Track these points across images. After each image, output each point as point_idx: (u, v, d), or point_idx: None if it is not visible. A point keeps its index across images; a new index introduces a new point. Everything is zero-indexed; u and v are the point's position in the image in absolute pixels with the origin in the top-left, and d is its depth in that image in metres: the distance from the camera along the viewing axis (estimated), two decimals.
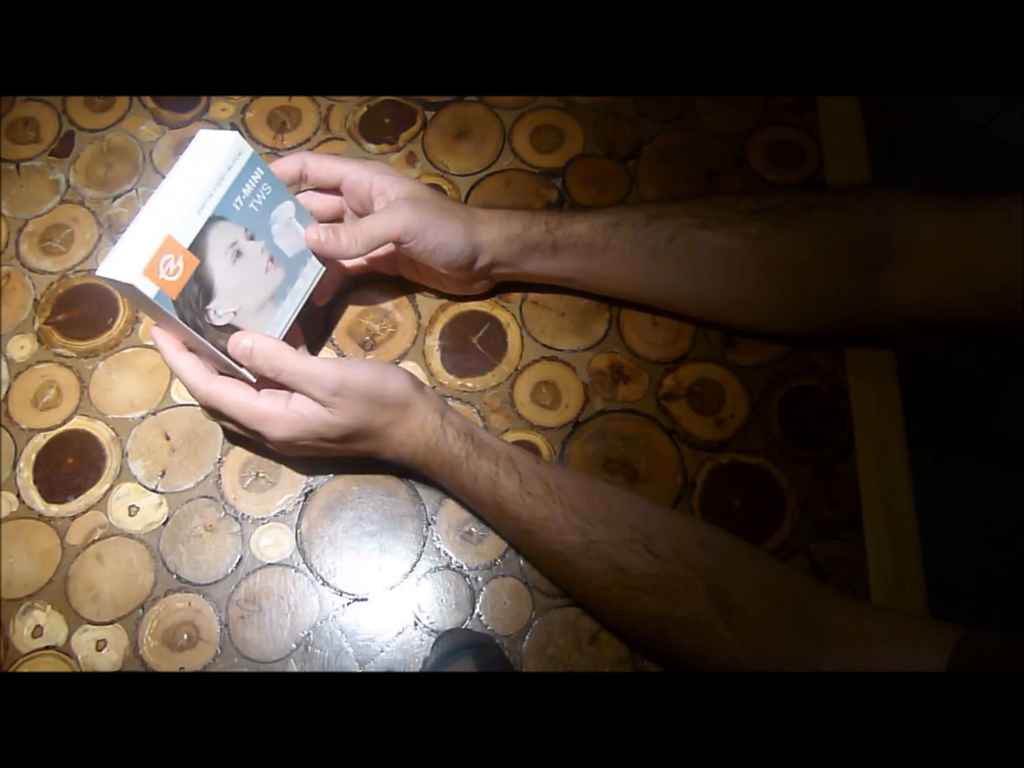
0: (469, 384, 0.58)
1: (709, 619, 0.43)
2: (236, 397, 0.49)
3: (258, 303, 0.51)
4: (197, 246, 0.47)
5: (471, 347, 0.59)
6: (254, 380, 0.51)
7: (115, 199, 0.65)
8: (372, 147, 0.66)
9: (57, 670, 0.51)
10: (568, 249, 0.55)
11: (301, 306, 0.53)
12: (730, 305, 0.56)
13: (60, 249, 0.63)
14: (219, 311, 0.49)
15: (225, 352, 0.50)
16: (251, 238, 0.50)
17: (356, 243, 0.52)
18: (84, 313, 0.61)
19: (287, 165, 0.54)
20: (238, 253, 0.49)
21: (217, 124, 0.67)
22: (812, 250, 0.51)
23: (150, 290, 0.45)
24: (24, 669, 0.52)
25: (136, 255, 0.45)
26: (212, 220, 0.47)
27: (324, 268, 0.54)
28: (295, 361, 0.49)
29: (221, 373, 0.52)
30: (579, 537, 0.46)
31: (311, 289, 0.54)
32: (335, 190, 0.56)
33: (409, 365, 0.58)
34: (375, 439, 0.50)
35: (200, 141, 0.49)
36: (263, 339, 0.49)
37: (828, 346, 0.57)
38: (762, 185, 0.62)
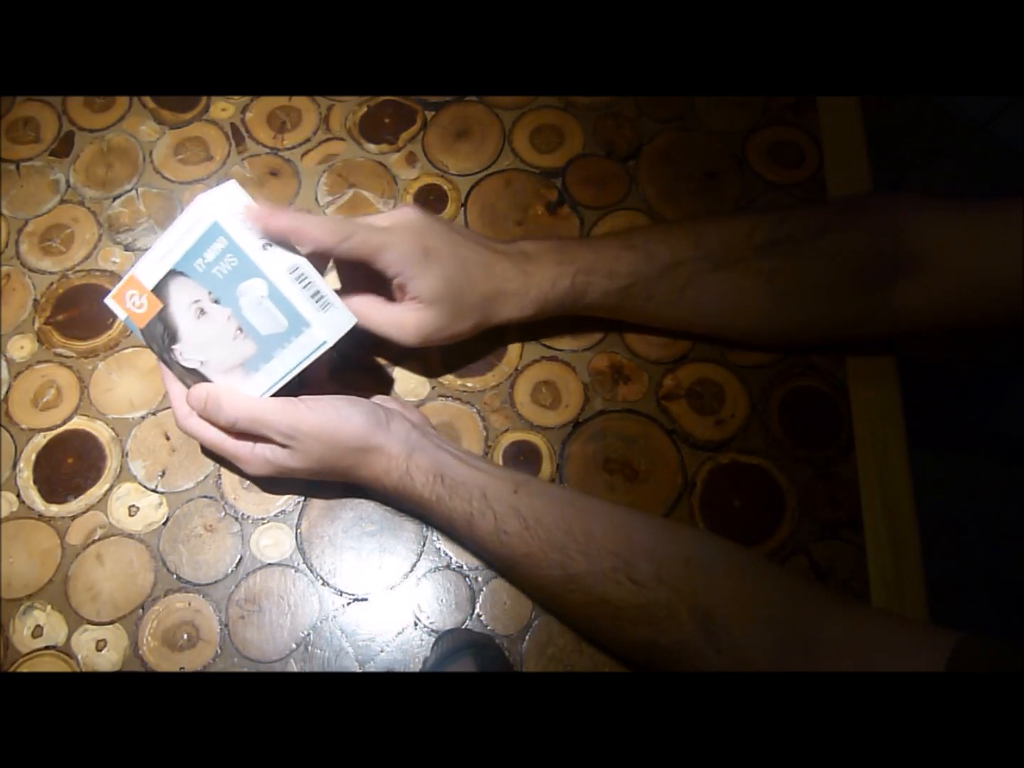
0: (469, 384, 0.58)
1: (695, 645, 0.42)
2: (209, 436, 0.50)
3: (225, 365, 0.50)
4: (160, 291, 0.50)
5: (471, 347, 0.58)
6: None
7: (115, 199, 0.65)
8: (372, 147, 0.66)
9: (57, 670, 0.51)
10: (580, 312, 0.55)
11: (283, 383, 0.50)
12: (737, 329, 0.56)
13: (60, 249, 0.63)
14: (185, 355, 0.51)
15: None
16: (216, 302, 0.49)
17: (368, 324, 0.52)
18: (84, 313, 0.61)
19: (316, 237, 0.48)
20: (202, 311, 0.49)
21: (217, 124, 0.67)
22: (824, 273, 0.51)
23: (120, 313, 0.52)
24: (24, 669, 0.51)
25: (114, 289, 0.52)
26: (173, 273, 0.49)
27: (317, 352, 0.49)
28: (248, 408, 0.48)
29: None
30: (559, 572, 0.46)
31: (297, 369, 0.49)
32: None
33: (409, 365, 0.58)
34: (343, 477, 0.50)
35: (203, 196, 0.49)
36: (217, 389, 0.49)
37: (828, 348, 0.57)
38: (762, 185, 0.62)
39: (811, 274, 0.51)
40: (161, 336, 0.51)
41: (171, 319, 0.50)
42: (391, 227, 0.51)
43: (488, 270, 0.52)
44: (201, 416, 0.50)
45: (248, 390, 0.50)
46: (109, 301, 0.52)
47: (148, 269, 0.50)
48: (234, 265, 0.48)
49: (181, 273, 0.49)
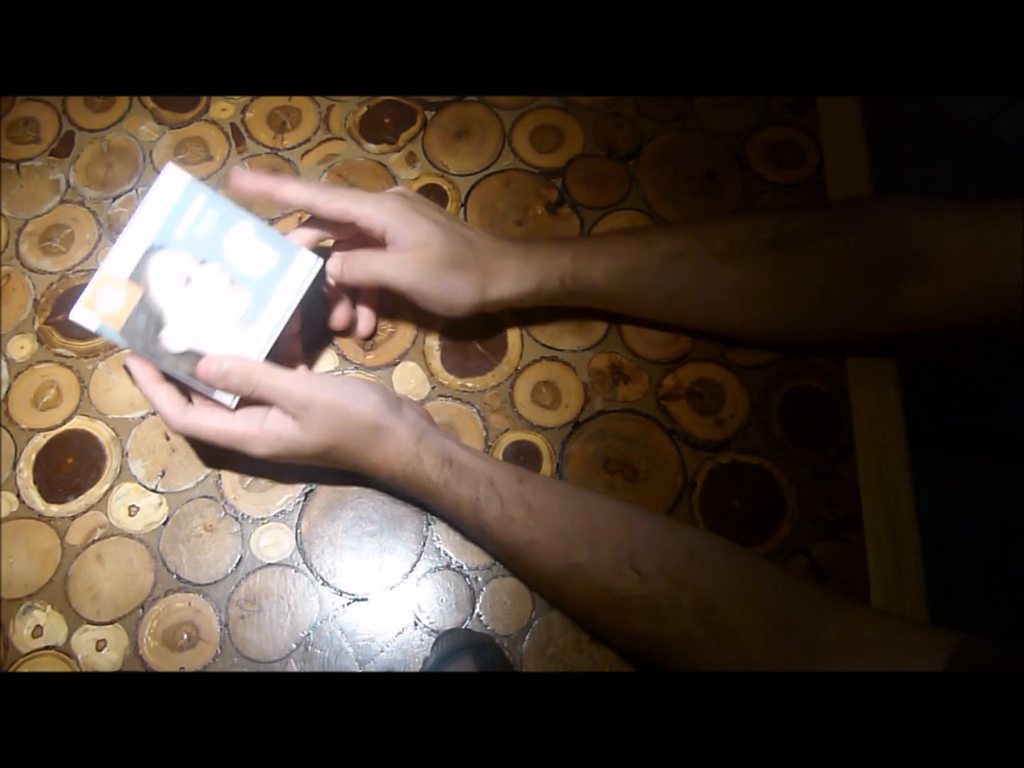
0: (469, 384, 0.58)
1: (697, 637, 0.43)
2: (212, 424, 0.50)
3: (221, 329, 0.51)
4: (138, 277, 0.49)
5: (471, 347, 0.59)
6: (232, 405, 0.51)
7: (115, 199, 0.65)
8: (372, 147, 0.66)
9: (57, 670, 0.51)
10: (583, 296, 0.55)
11: (284, 325, 0.51)
12: (742, 327, 0.56)
13: (60, 249, 0.63)
14: (175, 338, 0.50)
15: (191, 377, 0.50)
16: (202, 262, 0.50)
17: (358, 277, 0.53)
18: None
19: (294, 193, 0.51)
20: (188, 279, 0.50)
21: (217, 124, 0.67)
22: (829, 275, 0.51)
23: (92, 323, 0.50)
24: (24, 669, 0.52)
25: (82, 295, 0.50)
26: (151, 251, 0.49)
27: (309, 281, 0.52)
28: (268, 375, 0.49)
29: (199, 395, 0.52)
30: (563, 561, 0.46)
31: (294, 306, 0.51)
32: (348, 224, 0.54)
33: (409, 365, 0.58)
34: (350, 460, 0.50)
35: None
36: (233, 360, 0.50)
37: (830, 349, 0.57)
38: (762, 185, 0.62)
39: (816, 274, 0.51)
40: (145, 327, 0.50)
41: (154, 303, 0.50)
42: (380, 195, 0.53)
43: (484, 239, 0.54)
44: (221, 387, 0.50)
45: (251, 343, 0.51)
46: (78, 312, 0.50)
47: (119, 260, 0.50)
48: (216, 218, 0.50)
49: (160, 247, 0.49)
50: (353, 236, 0.55)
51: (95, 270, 0.60)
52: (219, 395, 0.50)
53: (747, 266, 0.51)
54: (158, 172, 0.51)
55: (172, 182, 0.50)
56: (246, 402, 0.51)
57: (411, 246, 0.52)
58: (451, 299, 0.53)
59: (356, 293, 0.58)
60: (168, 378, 0.51)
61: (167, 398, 0.50)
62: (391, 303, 0.60)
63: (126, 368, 0.53)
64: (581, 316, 0.59)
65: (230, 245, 0.50)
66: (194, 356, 0.50)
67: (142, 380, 0.51)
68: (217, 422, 0.50)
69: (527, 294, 0.54)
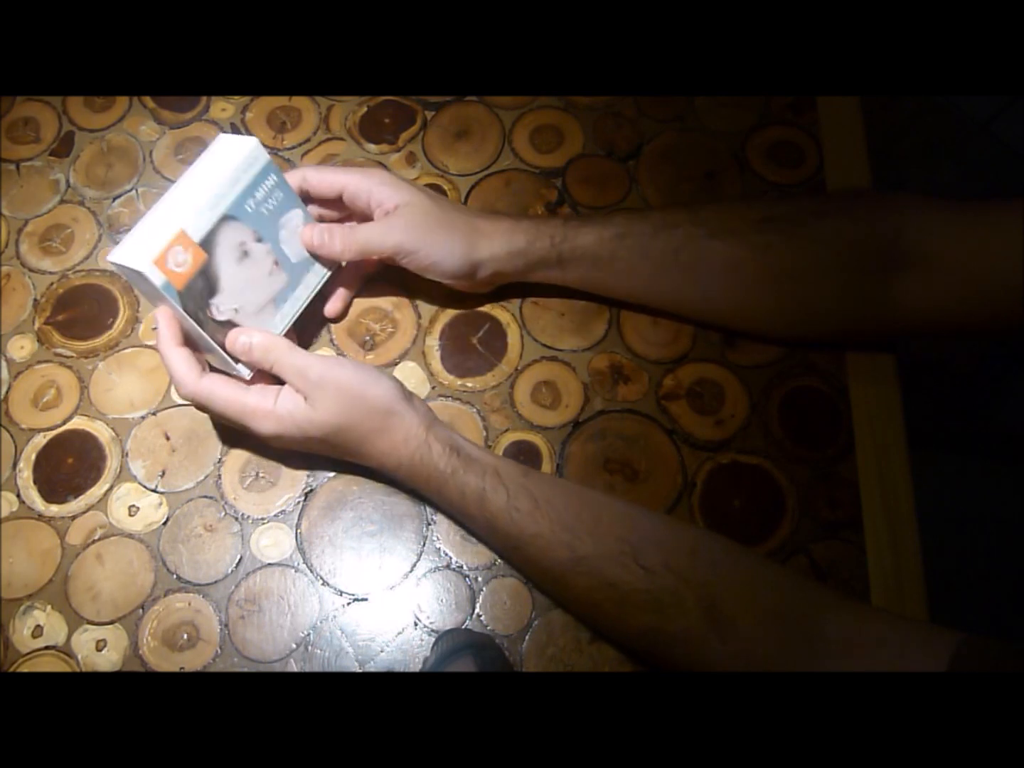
0: (469, 384, 0.58)
1: (700, 633, 0.43)
2: (225, 394, 0.50)
3: (259, 304, 0.53)
4: (207, 242, 0.50)
5: (471, 347, 0.59)
6: (248, 377, 0.52)
7: (115, 199, 0.65)
8: (372, 147, 0.66)
9: (57, 670, 0.51)
10: (573, 262, 0.55)
11: (301, 311, 0.55)
12: (736, 313, 0.56)
13: (60, 249, 0.63)
14: (221, 307, 0.51)
15: (223, 347, 0.51)
16: (259, 240, 0.52)
17: (348, 250, 0.54)
18: (84, 313, 0.61)
19: (288, 179, 0.54)
20: (245, 253, 0.52)
21: (217, 124, 0.67)
22: (821, 260, 0.51)
23: (158, 279, 0.48)
24: (24, 669, 0.52)
25: (148, 245, 0.48)
26: (224, 219, 0.50)
27: (328, 275, 0.56)
28: (288, 353, 0.51)
29: (213, 369, 0.53)
30: (568, 553, 0.46)
31: (311, 296, 0.56)
32: (339, 201, 0.56)
33: (409, 365, 0.58)
34: (357, 445, 0.50)
35: (219, 144, 0.52)
36: (260, 334, 0.51)
37: (829, 346, 0.57)
38: (762, 185, 0.62)
39: (808, 255, 0.51)
40: (200, 292, 0.50)
41: (213, 270, 0.50)
42: (367, 168, 0.56)
43: (469, 209, 0.56)
44: (245, 360, 0.51)
45: (274, 323, 0.54)
46: (149, 267, 0.47)
47: (196, 221, 0.49)
48: (279, 200, 0.53)
49: (232, 218, 0.50)
50: (344, 217, 0.58)
51: (96, 271, 0.60)
52: (240, 367, 0.52)
53: (737, 243, 0.52)
54: (221, 129, 0.53)
55: (254, 157, 0.51)
56: (263, 380, 0.52)
57: (396, 205, 0.53)
58: (441, 256, 0.53)
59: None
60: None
61: (184, 362, 0.51)
62: (389, 300, 0.60)
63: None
64: (581, 316, 0.59)
65: (282, 228, 0.53)
66: (231, 327, 0.52)
67: (164, 339, 0.51)
68: (231, 392, 0.50)
69: (517, 252, 0.54)
